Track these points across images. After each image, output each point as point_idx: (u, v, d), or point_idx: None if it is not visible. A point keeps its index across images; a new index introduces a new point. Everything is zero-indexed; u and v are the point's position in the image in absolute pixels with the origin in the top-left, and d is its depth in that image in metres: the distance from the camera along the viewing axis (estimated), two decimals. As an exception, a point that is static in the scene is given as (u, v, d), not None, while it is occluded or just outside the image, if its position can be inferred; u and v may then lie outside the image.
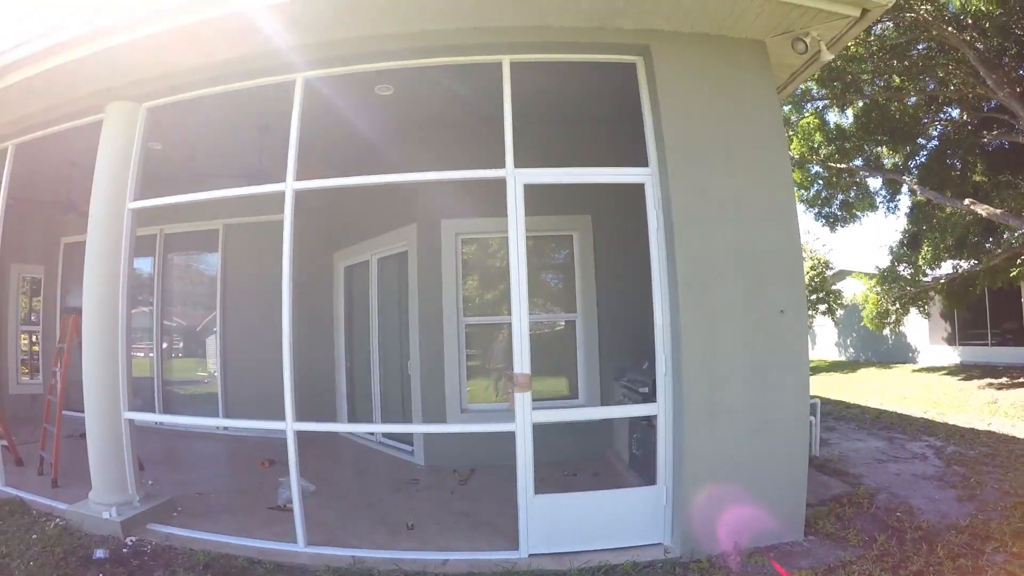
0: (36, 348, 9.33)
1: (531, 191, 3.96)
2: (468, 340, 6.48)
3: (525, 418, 3.84)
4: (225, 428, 7.70)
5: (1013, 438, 6.80)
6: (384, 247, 6.97)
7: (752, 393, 3.80)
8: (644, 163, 4.04)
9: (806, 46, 3.93)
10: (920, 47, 10.69)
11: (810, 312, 21.76)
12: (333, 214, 7.45)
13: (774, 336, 3.83)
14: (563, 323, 6.62)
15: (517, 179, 3.97)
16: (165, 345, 8.52)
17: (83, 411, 4.57)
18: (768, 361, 3.82)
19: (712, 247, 3.82)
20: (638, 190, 4.06)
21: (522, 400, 3.85)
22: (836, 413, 9.46)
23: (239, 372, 7.78)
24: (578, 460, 5.86)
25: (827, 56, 4.08)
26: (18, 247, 8.22)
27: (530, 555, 3.82)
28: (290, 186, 4.18)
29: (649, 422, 4.31)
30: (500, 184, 4.00)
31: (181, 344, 8.87)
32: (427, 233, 6.32)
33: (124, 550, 4.03)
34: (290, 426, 4.08)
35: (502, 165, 3.99)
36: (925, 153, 13.51)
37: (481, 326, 6.61)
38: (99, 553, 3.94)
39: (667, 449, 3.90)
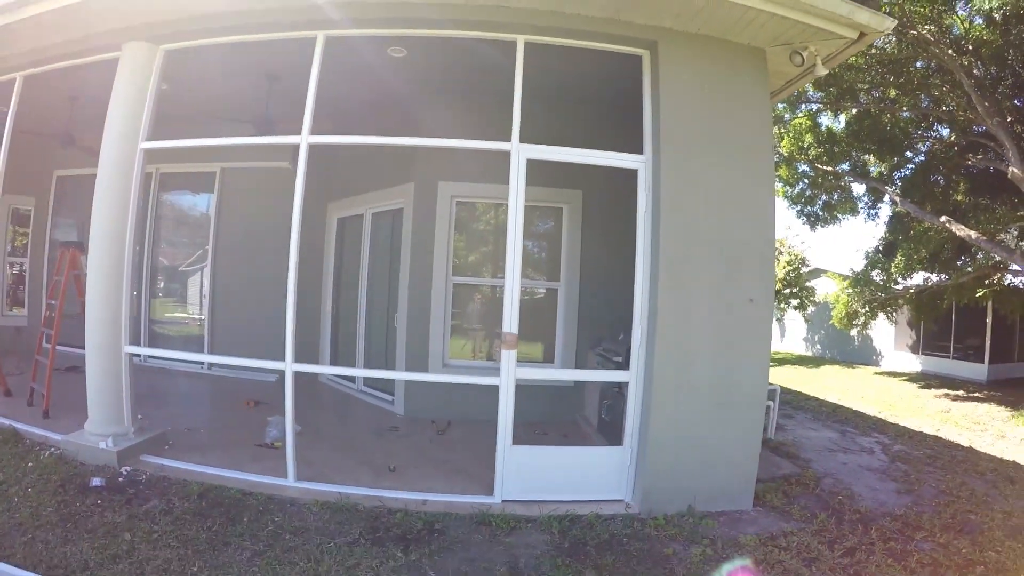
0: (23, 279, 9.34)
1: (530, 164, 4.21)
2: (455, 299, 6.79)
3: (510, 374, 4.18)
4: (209, 368, 7.91)
5: (958, 445, 7.21)
6: (380, 202, 7.21)
7: (717, 371, 4.18)
8: (639, 150, 4.33)
9: (803, 59, 4.23)
10: (918, 64, 10.94)
11: (782, 305, 22.37)
12: (331, 166, 7.57)
13: (742, 322, 4.19)
14: (545, 291, 6.95)
15: (521, 154, 4.25)
16: (156, 284, 8.64)
17: (72, 346, 4.64)
18: (734, 344, 4.20)
19: (694, 234, 4.15)
20: (630, 174, 4.35)
21: (508, 357, 4.18)
22: (795, 403, 9.96)
23: (226, 313, 7.98)
24: (549, 423, 6.19)
25: (822, 71, 4.39)
26: (10, 177, 8.22)
27: (503, 500, 4.19)
28: (305, 140, 4.38)
29: (620, 389, 4.68)
30: (499, 153, 4.27)
31: (171, 285, 8.99)
32: (424, 193, 6.56)
33: (120, 479, 4.24)
34: (289, 366, 4.30)
35: (508, 138, 4.24)
36: (911, 167, 13.87)
37: (469, 286, 6.95)
38: (96, 481, 4.13)
39: (635, 414, 4.26)
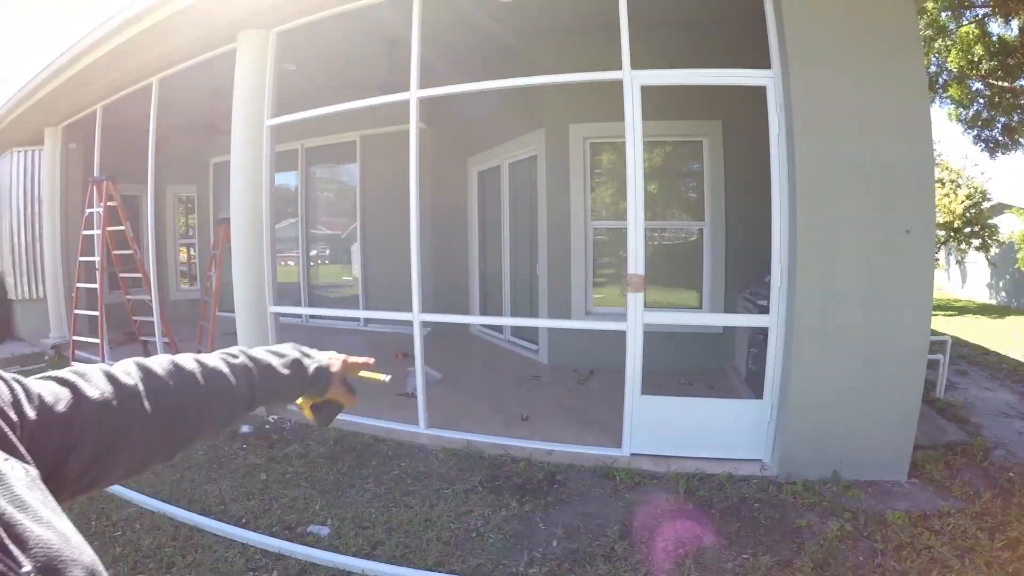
0: (194, 260, 10.50)
1: (660, 96, 3.94)
2: (596, 245, 6.64)
3: (637, 318, 3.96)
4: (366, 324, 8.53)
5: None
6: (515, 152, 7.20)
7: (868, 318, 3.62)
8: (767, 66, 3.80)
9: None
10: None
11: (962, 246, 19.57)
12: (466, 121, 7.73)
13: (897, 259, 3.58)
14: (691, 233, 6.55)
15: (634, 81, 3.92)
16: (314, 252, 9.46)
17: (232, 311, 5.11)
18: (889, 285, 3.60)
19: (834, 157, 3.58)
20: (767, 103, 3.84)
21: (634, 300, 3.96)
22: (972, 358, 8.64)
23: (377, 274, 8.52)
24: (697, 372, 5.90)
25: None
26: (172, 169, 9.19)
27: (631, 454, 4.03)
28: (414, 95, 4.41)
29: (765, 336, 4.24)
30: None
31: (327, 251, 9.79)
32: (555, 137, 6.41)
33: (266, 427, 4.75)
34: (416, 316, 4.45)
35: (619, 62, 3.93)
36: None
37: (609, 230, 6.69)
38: (244, 428, 4.65)
39: (776, 364, 3.87)
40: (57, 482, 0.61)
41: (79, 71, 6.15)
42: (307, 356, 1.07)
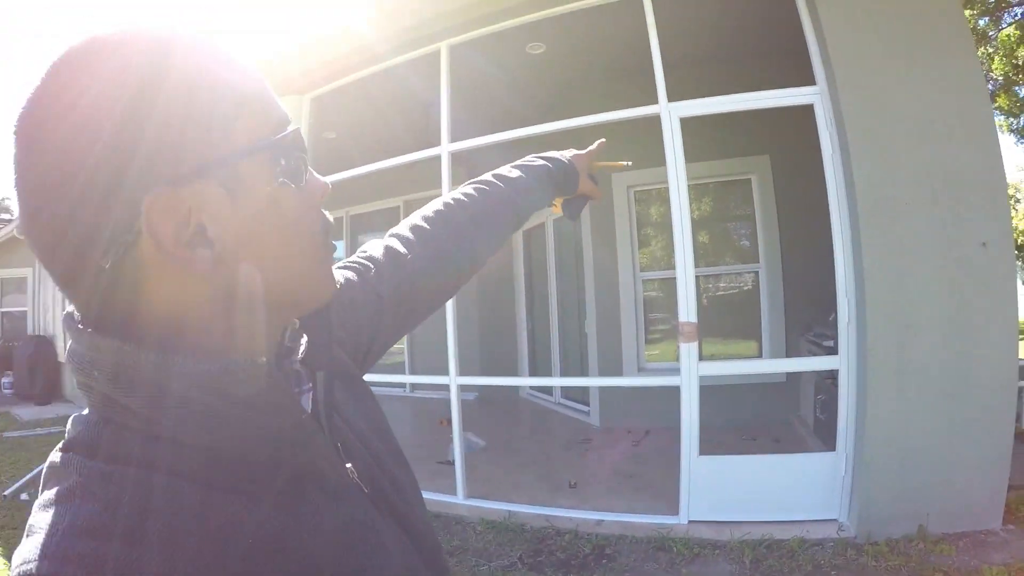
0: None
1: (701, 134, 3.73)
2: (647, 298, 6.33)
3: (691, 371, 3.59)
4: (412, 390, 8.34)
5: None
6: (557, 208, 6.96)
7: (948, 346, 3.15)
8: (811, 82, 3.52)
9: None
10: None
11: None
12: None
13: (975, 276, 3.13)
14: (746, 278, 6.15)
15: (672, 113, 3.70)
16: None
17: None
18: (969, 307, 3.14)
19: (895, 170, 3.22)
20: (815, 126, 3.54)
21: (687, 351, 3.60)
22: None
23: (424, 339, 8.28)
24: (760, 425, 5.37)
25: None
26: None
27: (689, 522, 3.59)
28: (445, 149, 4.37)
29: (833, 380, 3.79)
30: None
31: None
32: (599, 187, 6.13)
33: None
34: (453, 380, 4.27)
35: (655, 101, 3.73)
36: None
37: (659, 281, 6.36)
38: None
39: (848, 410, 3.40)
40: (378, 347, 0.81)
41: None
42: (551, 161, 1.10)
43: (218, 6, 4.83)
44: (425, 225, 0.91)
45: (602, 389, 6.21)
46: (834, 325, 3.98)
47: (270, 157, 0.49)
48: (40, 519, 0.42)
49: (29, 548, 0.40)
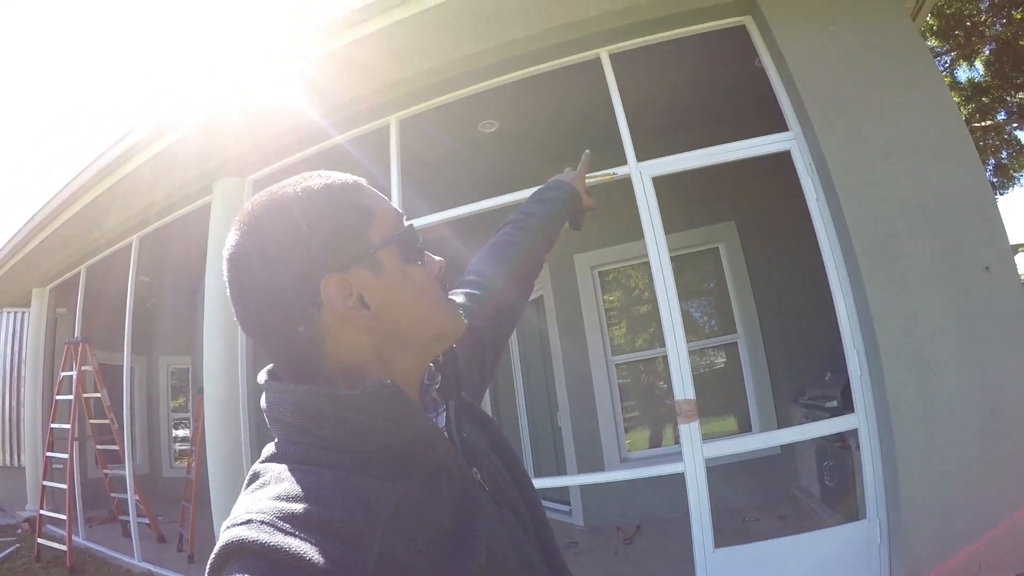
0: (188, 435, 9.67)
1: (664, 205, 3.50)
2: (620, 382, 5.99)
3: (695, 453, 3.21)
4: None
5: None
6: None
7: (970, 382, 2.94)
8: (783, 129, 3.47)
9: None
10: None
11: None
12: (458, 265, 7.21)
13: (983, 302, 3.00)
14: (724, 353, 5.95)
15: (643, 172, 3.54)
16: None
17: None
18: (982, 336, 2.98)
19: (886, 204, 3.12)
20: (781, 182, 3.59)
21: (689, 432, 3.23)
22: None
23: None
24: (758, 504, 5.02)
25: None
26: (165, 339, 8.63)
27: (718, 626, 3.06)
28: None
29: (843, 442, 3.57)
30: (630, 203, 3.56)
31: None
32: (560, 271, 5.99)
33: None
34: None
35: (623, 163, 3.58)
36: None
37: (633, 364, 6.09)
38: None
39: (875, 470, 3.09)
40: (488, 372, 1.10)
41: (56, 229, 5.96)
42: (559, 188, 1.37)
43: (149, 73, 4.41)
44: (486, 268, 1.18)
45: (583, 487, 5.70)
46: (832, 384, 3.75)
47: (396, 247, 0.74)
48: (246, 497, 0.62)
49: (244, 505, 0.60)
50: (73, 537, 5.69)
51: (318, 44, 3.64)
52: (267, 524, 0.55)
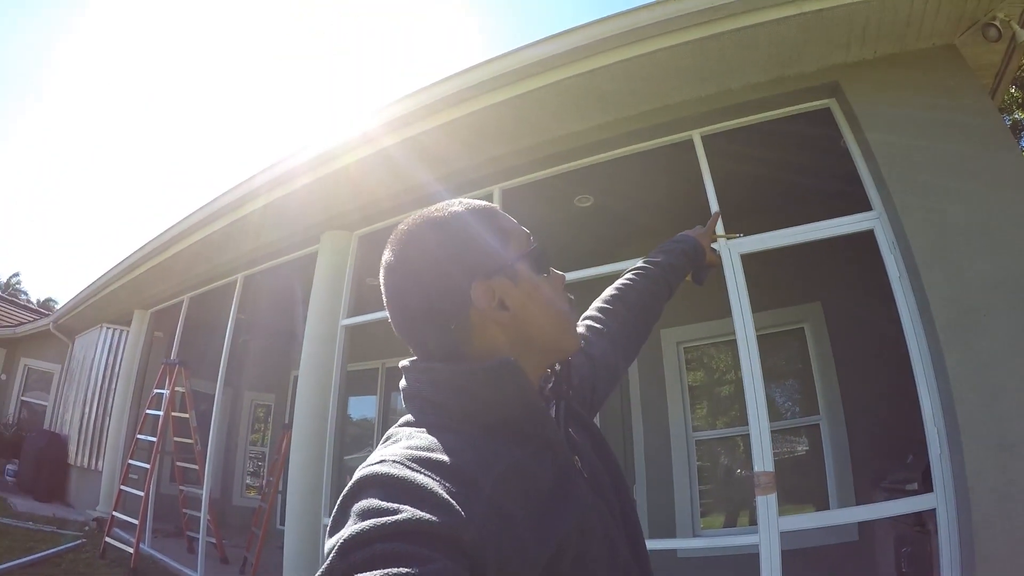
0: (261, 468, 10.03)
1: (750, 284, 3.63)
2: (699, 459, 5.98)
3: (770, 525, 3.22)
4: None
5: None
6: None
7: None
8: (867, 209, 3.61)
9: (998, 31, 3.41)
10: None
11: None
12: None
13: None
14: (804, 438, 5.84)
15: (732, 250, 3.72)
16: None
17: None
18: None
19: (968, 282, 3.17)
20: (866, 262, 3.62)
21: (765, 504, 3.27)
22: None
23: None
24: None
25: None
26: (252, 375, 9.13)
27: None
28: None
29: (922, 527, 3.46)
30: (718, 280, 3.66)
31: None
32: (645, 345, 5.87)
33: None
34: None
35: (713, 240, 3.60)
36: None
37: (714, 441, 6.06)
38: None
39: (952, 553, 3.00)
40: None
41: (163, 261, 6.55)
42: (684, 242, 1.52)
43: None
44: (608, 306, 1.32)
45: (655, 562, 5.52)
46: (914, 467, 3.67)
47: (528, 260, 0.88)
48: (380, 449, 0.73)
49: (378, 454, 0.70)
50: (140, 543, 6.06)
51: (432, 115, 4.10)
52: (398, 463, 0.65)
